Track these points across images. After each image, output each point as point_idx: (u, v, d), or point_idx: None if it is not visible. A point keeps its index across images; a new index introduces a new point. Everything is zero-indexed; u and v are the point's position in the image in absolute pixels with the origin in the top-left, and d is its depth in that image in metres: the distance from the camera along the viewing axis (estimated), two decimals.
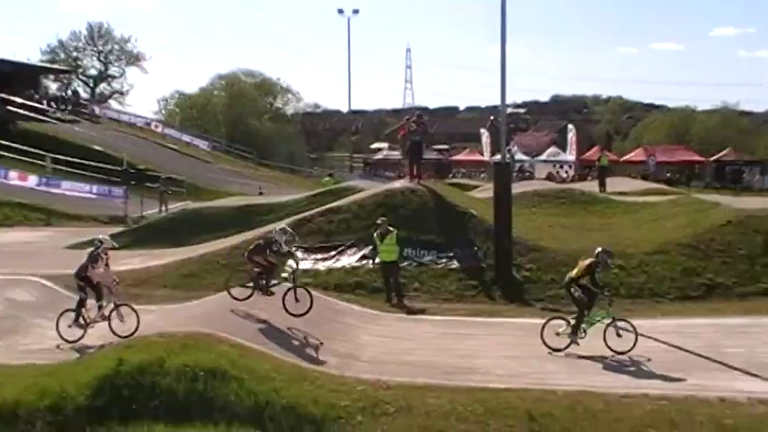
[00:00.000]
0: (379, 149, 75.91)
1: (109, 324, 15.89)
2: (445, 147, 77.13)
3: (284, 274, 16.54)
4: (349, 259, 21.93)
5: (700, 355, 14.83)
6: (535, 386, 13.11)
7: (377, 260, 20.33)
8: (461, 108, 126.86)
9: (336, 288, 20.31)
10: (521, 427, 11.60)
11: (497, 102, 23.24)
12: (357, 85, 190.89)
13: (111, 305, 16.05)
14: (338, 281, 20.80)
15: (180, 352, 13.09)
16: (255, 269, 16.59)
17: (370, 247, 21.27)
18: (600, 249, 15.78)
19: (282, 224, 17.09)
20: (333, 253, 22.21)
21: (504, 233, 21.16)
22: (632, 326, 15.19)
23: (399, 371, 14.07)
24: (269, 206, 31.29)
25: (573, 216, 28.51)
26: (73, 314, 15.99)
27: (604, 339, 15.13)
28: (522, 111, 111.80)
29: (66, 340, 15.84)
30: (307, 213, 24.97)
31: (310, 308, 16.07)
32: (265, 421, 11.86)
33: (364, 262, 21.60)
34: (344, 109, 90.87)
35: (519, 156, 62.10)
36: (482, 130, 68.23)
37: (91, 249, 16.53)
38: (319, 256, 22.18)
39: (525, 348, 15.45)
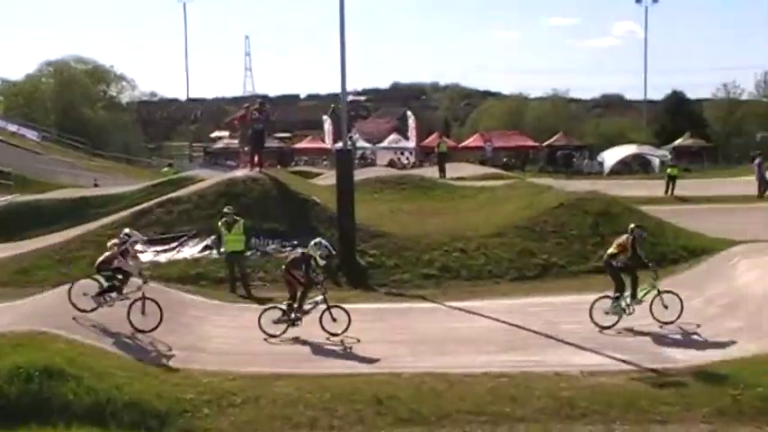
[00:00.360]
0: (220, 138, 74.56)
1: (128, 315, 14.97)
2: (287, 135, 76.78)
3: (318, 298, 15.75)
4: (191, 250, 21.55)
5: (537, 333, 15.44)
6: (381, 370, 13.28)
7: (222, 250, 20.00)
8: (302, 95, 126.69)
9: (179, 280, 19.87)
10: (368, 410, 11.72)
11: (338, 89, 23.31)
12: (195, 72, 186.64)
13: (139, 294, 15.15)
14: (180, 272, 20.38)
15: (11, 352, 12.47)
16: (290, 289, 15.87)
17: (213, 237, 20.93)
18: (633, 226, 16.10)
19: (317, 238, 16.40)
20: (174, 244, 21.78)
21: (348, 220, 21.29)
22: (678, 297, 15.51)
23: (246, 361, 13.94)
24: (105, 198, 30.31)
25: (414, 201, 29.13)
26: (94, 295, 15.15)
27: (651, 311, 15.47)
28: (362, 98, 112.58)
29: (82, 310, 14.93)
30: (146, 204, 24.37)
31: (348, 326, 15.34)
32: (107, 419, 11.47)
33: (207, 252, 21.25)
34: (183, 97, 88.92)
35: (361, 143, 62.67)
36: (324, 118, 68.30)
37: (115, 241, 15.66)
38: (159, 247, 21.68)
39: (371, 333, 15.60)
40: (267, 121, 26.79)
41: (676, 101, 78.23)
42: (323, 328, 15.38)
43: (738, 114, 75.29)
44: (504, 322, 16.14)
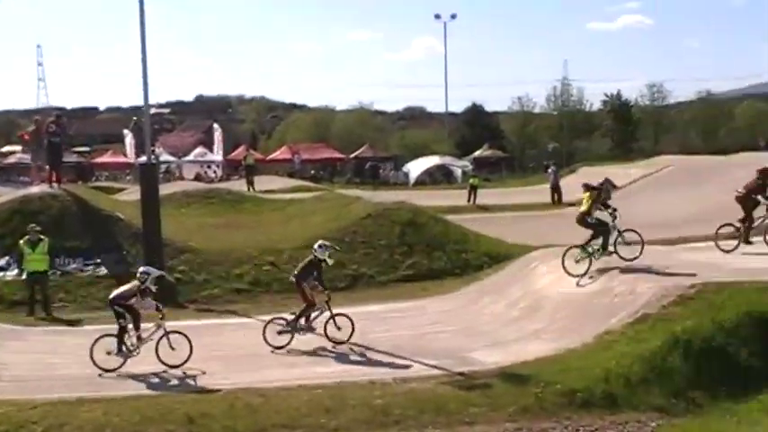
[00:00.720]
0: (12, 153, 70.38)
1: (156, 353, 13.94)
2: (86, 149, 73.69)
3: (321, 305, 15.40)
4: None
5: (349, 342, 15.58)
6: (193, 388, 12.98)
7: (23, 269, 18.94)
8: (102, 108, 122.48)
9: None
10: (180, 430, 11.42)
11: (140, 102, 22.63)
12: None
13: (162, 332, 14.15)
14: None
15: None
16: (303, 299, 15.37)
17: (8, 257, 19.78)
18: (606, 178, 16.60)
19: (319, 241, 15.90)
20: None
21: (154, 235, 20.69)
22: (637, 233, 16.40)
23: (48, 387, 13.20)
24: None
25: (222, 215, 28.86)
26: (114, 342, 14.18)
27: (616, 251, 16.29)
28: (166, 111, 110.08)
29: (106, 369, 13.90)
30: None
31: (352, 333, 15.28)
32: None
33: (1, 274, 20.05)
34: None
35: (165, 156, 61.12)
36: (125, 131, 65.98)
37: (136, 283, 14.44)
38: None
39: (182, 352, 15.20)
40: (64, 135, 25.75)
41: (475, 113, 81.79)
42: (327, 336, 15.27)
43: (532, 127, 79.54)
44: (317, 334, 16.17)
